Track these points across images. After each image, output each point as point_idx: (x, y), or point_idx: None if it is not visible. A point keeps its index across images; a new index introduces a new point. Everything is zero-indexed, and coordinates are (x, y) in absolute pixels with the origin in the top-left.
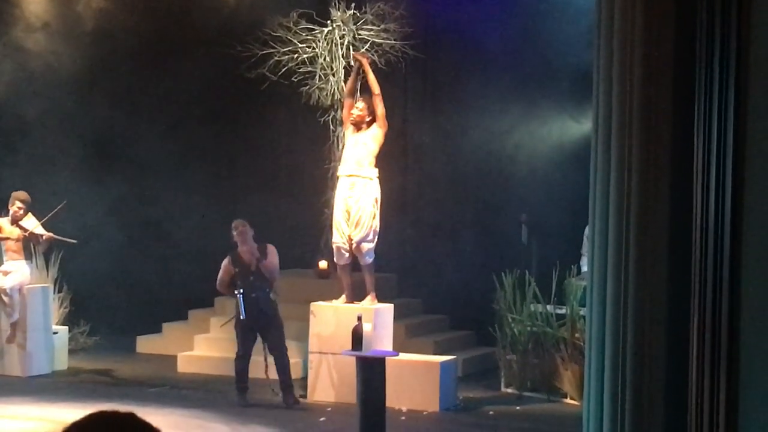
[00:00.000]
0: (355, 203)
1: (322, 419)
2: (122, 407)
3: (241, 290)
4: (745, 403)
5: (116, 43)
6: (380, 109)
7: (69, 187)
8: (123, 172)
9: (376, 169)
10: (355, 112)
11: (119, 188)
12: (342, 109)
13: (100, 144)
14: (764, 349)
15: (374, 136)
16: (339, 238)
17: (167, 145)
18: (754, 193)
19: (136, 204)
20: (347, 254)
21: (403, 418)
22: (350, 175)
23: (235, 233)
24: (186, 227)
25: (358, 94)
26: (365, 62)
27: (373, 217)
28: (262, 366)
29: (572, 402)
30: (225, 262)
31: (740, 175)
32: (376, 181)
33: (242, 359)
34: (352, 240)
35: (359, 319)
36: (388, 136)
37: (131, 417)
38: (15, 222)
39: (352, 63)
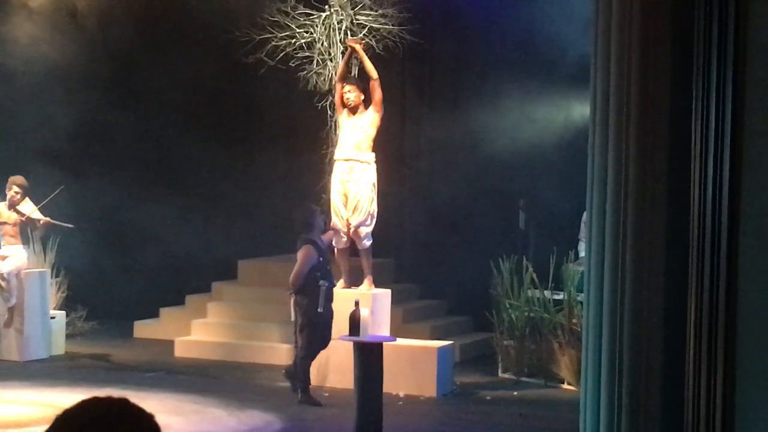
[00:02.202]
0: (353, 187)
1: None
2: (119, 392)
3: (325, 282)
4: (742, 386)
5: (106, 28)
6: (378, 94)
7: (60, 174)
8: (116, 157)
9: (374, 153)
10: (350, 96)
11: (114, 174)
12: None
13: (94, 127)
14: (761, 337)
15: (372, 121)
16: (338, 222)
17: (161, 129)
18: (751, 180)
19: (132, 189)
20: (345, 238)
21: (401, 403)
22: (348, 159)
23: (319, 218)
24: (183, 212)
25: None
26: (359, 48)
27: (371, 202)
28: (254, 349)
29: (569, 387)
30: (310, 250)
31: (738, 162)
32: (374, 166)
33: (310, 358)
34: (350, 224)
35: (357, 304)
36: (386, 121)
37: (124, 402)
38: (12, 206)
39: (347, 48)
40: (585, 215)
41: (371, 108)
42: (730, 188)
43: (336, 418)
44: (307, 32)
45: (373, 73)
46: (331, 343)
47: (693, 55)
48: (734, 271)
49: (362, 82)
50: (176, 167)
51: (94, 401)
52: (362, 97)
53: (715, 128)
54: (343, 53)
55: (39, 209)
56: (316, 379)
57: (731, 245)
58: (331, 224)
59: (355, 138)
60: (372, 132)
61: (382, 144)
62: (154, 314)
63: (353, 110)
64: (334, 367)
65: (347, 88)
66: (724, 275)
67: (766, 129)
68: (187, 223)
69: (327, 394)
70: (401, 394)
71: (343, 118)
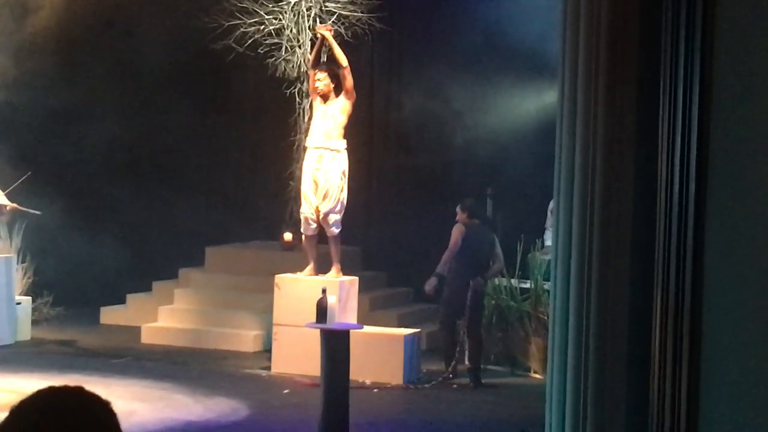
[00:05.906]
0: (323, 175)
1: (285, 391)
2: (85, 378)
3: None
4: (706, 371)
5: (66, 11)
6: (348, 81)
7: (26, 158)
8: (85, 138)
9: (344, 141)
10: (320, 84)
11: (81, 159)
12: (308, 81)
13: (54, 115)
14: (726, 325)
15: (342, 108)
16: (307, 209)
17: (126, 116)
18: (718, 169)
19: (99, 174)
20: (314, 225)
21: (373, 390)
22: (318, 147)
23: None
24: (150, 198)
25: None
26: (328, 35)
27: (341, 190)
28: (221, 336)
29: (536, 376)
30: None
31: (704, 154)
32: (344, 153)
33: None
34: (319, 211)
35: (324, 291)
36: (355, 108)
37: (78, 391)
38: None
39: (317, 35)
40: (551, 204)
41: (342, 95)
42: (697, 178)
43: (302, 405)
44: (275, 19)
45: (343, 60)
46: (299, 330)
47: (661, 45)
48: (700, 259)
49: (333, 69)
50: (143, 153)
51: (49, 391)
52: (332, 85)
53: (683, 119)
54: (311, 40)
55: (5, 195)
56: (283, 367)
57: (697, 233)
58: (300, 211)
59: (325, 126)
60: (342, 119)
61: (349, 131)
62: (121, 300)
63: (324, 98)
64: (301, 354)
65: (318, 75)
66: (690, 262)
67: (733, 125)
68: (155, 209)
69: (294, 381)
70: (368, 382)
71: (315, 105)
